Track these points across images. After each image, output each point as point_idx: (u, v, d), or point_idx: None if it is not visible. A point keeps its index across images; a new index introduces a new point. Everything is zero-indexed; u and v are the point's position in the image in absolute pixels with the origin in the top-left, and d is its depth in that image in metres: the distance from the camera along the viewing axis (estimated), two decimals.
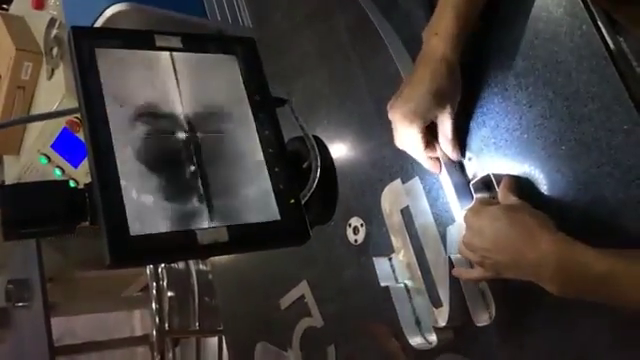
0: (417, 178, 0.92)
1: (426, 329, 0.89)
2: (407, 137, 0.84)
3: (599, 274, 0.64)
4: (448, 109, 0.81)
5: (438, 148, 0.85)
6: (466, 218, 0.78)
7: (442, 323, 0.84)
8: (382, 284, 0.93)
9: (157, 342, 2.06)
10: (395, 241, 0.95)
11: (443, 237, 0.87)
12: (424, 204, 0.90)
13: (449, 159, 0.86)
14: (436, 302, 0.88)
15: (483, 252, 0.74)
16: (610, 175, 0.71)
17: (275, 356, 1.18)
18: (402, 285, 0.93)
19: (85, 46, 0.72)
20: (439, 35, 0.79)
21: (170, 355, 2.15)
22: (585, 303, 0.69)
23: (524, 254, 0.69)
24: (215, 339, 2.29)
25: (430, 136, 0.84)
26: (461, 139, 0.86)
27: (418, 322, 0.90)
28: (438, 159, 0.86)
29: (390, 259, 0.95)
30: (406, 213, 0.93)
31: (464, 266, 0.81)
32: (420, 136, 0.83)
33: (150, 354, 2.13)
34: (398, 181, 0.95)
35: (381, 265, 0.94)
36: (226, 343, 1.39)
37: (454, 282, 0.81)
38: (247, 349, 1.24)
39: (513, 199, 0.76)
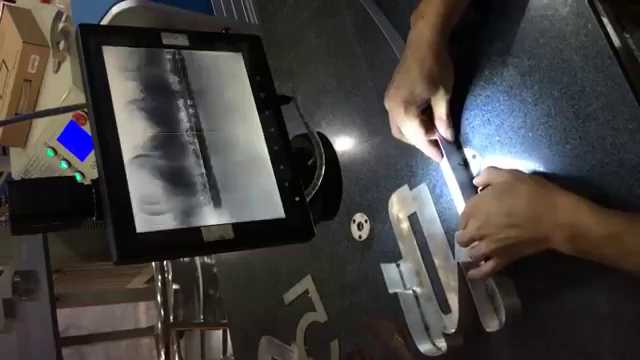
0: (424, 184, 0.91)
1: (435, 335, 0.88)
2: (404, 124, 0.85)
3: (613, 232, 0.65)
4: (441, 91, 0.82)
5: (436, 132, 0.86)
6: (467, 215, 0.78)
7: (451, 329, 0.84)
8: (390, 291, 0.93)
9: (162, 334, 2.08)
10: (403, 247, 0.95)
11: (451, 243, 0.87)
12: (432, 210, 0.90)
13: (447, 142, 0.86)
14: (445, 308, 0.88)
15: (499, 233, 0.73)
16: (614, 174, 0.71)
17: (279, 350, 1.18)
18: (411, 292, 0.92)
19: (92, 44, 0.72)
20: (425, 19, 0.80)
21: (175, 347, 2.16)
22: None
23: (542, 216, 0.69)
24: (220, 332, 2.31)
25: (427, 121, 0.85)
26: (466, 136, 0.87)
27: (427, 328, 0.90)
28: (438, 146, 0.86)
29: (398, 265, 0.94)
30: (414, 219, 0.93)
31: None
32: (417, 121, 0.84)
33: (155, 346, 2.14)
34: (405, 187, 0.95)
35: (389, 272, 0.94)
36: (230, 337, 1.40)
37: (463, 288, 0.80)
38: (251, 343, 1.25)
39: (503, 172, 0.77)
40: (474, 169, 0.86)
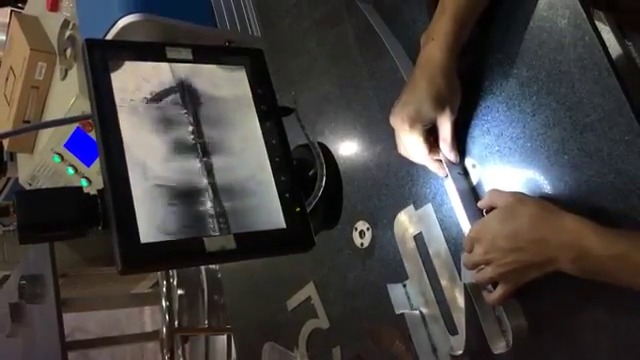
0: (430, 204, 0.92)
1: (443, 356, 0.89)
2: (409, 142, 0.85)
3: (617, 252, 0.65)
4: (447, 112, 0.82)
5: (440, 151, 0.87)
6: (472, 239, 0.78)
7: (458, 351, 0.84)
8: (397, 311, 0.93)
9: (167, 339, 2.09)
10: (409, 267, 0.95)
11: (457, 263, 0.87)
12: (437, 231, 0.90)
13: (452, 163, 0.86)
14: (452, 329, 0.88)
15: (505, 258, 0.73)
16: (612, 185, 0.72)
17: (282, 356, 1.19)
18: (417, 312, 0.92)
19: (98, 58, 0.74)
20: (435, 40, 0.81)
21: (180, 352, 2.17)
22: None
23: (547, 239, 0.70)
24: (224, 337, 2.31)
25: (432, 140, 0.86)
26: (465, 146, 0.88)
27: (434, 349, 0.90)
28: (442, 162, 0.87)
29: (404, 286, 0.95)
30: (419, 239, 0.93)
31: (480, 292, 0.80)
32: (421, 140, 0.85)
33: (160, 350, 2.15)
34: (411, 207, 0.95)
35: (396, 292, 0.94)
36: (234, 342, 1.41)
37: (470, 309, 0.80)
38: (255, 349, 1.25)
39: (505, 195, 0.77)
40: (474, 178, 0.87)
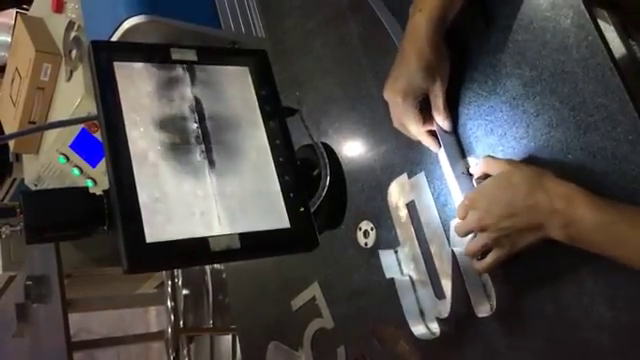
0: (422, 173, 0.94)
1: (429, 320, 0.91)
2: (402, 114, 0.87)
3: (605, 221, 0.66)
4: (438, 82, 0.83)
5: (434, 122, 0.88)
6: (466, 207, 0.79)
7: (444, 314, 0.86)
8: (387, 276, 0.95)
9: (172, 339, 2.10)
10: (401, 234, 0.97)
11: (447, 231, 0.89)
12: (429, 199, 0.92)
13: (445, 133, 0.87)
14: (439, 294, 0.90)
15: (500, 223, 0.74)
16: (615, 184, 0.72)
17: (287, 356, 1.20)
18: (407, 277, 0.95)
19: (104, 59, 0.75)
20: (422, 12, 0.81)
21: (185, 352, 2.17)
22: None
23: (540, 205, 0.70)
24: (229, 337, 2.32)
25: (426, 112, 0.87)
26: (469, 146, 0.88)
27: (422, 313, 0.92)
28: (436, 136, 0.88)
29: (396, 252, 0.97)
30: (411, 207, 0.95)
31: (466, 258, 0.82)
32: (415, 112, 0.86)
33: (165, 350, 2.16)
34: (404, 176, 0.97)
35: (387, 257, 0.97)
36: (239, 342, 1.41)
37: (456, 274, 0.82)
38: (259, 348, 1.26)
39: (501, 162, 0.78)
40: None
